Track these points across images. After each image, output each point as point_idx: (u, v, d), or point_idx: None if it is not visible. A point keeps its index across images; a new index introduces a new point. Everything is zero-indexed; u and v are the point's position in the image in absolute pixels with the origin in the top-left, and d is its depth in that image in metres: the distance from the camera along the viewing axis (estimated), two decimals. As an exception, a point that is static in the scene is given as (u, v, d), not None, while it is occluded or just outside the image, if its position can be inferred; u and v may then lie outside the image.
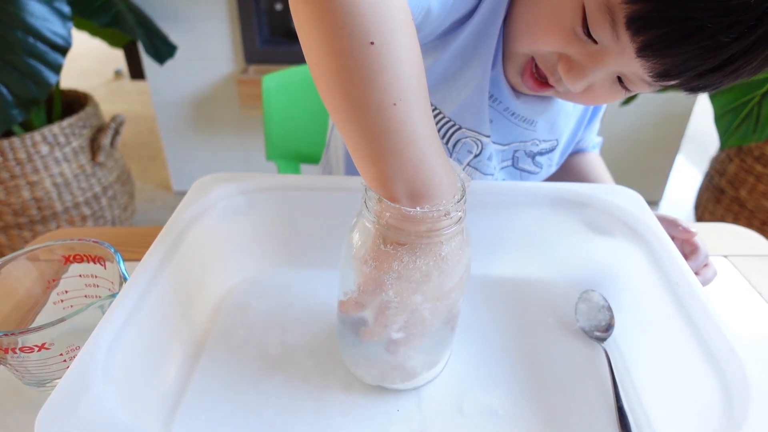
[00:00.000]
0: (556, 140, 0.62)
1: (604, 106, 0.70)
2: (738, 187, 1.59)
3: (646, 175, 2.05)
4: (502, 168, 0.63)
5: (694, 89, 0.42)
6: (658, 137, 1.95)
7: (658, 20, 0.37)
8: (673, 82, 0.41)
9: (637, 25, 0.38)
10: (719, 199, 1.68)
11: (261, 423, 0.41)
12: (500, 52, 0.53)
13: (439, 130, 0.57)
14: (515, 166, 0.63)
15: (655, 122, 1.91)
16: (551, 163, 0.65)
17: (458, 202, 0.35)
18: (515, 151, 0.61)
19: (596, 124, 0.73)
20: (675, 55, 0.38)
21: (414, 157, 0.32)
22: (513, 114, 0.57)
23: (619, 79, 0.46)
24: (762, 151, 1.52)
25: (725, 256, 0.63)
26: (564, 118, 0.61)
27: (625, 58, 0.41)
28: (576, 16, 0.42)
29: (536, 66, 0.50)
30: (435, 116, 0.56)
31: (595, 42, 0.43)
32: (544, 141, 0.61)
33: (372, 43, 0.29)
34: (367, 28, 0.29)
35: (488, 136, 0.57)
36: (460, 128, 0.56)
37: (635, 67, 0.42)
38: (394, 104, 0.30)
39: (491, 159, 0.60)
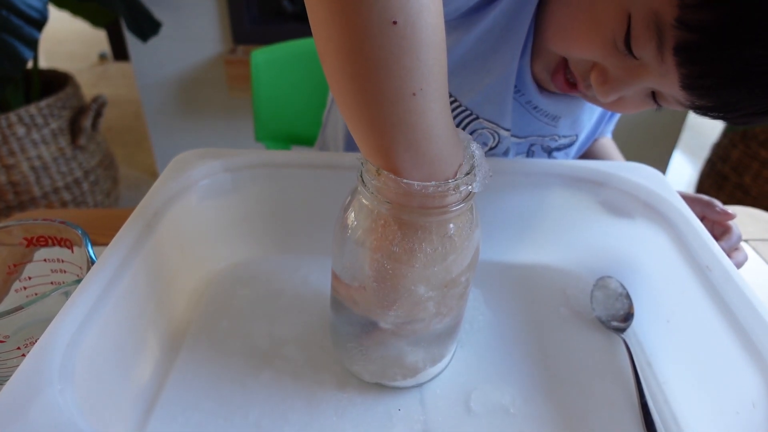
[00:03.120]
0: (576, 135, 0.58)
1: None
2: (742, 173, 1.57)
3: (645, 162, 2.02)
4: None
5: (737, 124, 0.38)
6: (657, 124, 1.91)
7: (711, 56, 0.33)
8: (715, 117, 0.37)
9: (686, 54, 0.34)
10: (722, 186, 1.65)
11: (246, 425, 0.37)
12: (530, 43, 0.47)
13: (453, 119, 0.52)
14: None
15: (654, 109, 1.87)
16: (567, 158, 0.62)
17: (467, 174, 0.30)
18: (531, 145, 0.57)
19: (617, 116, 0.68)
20: (723, 96, 0.34)
21: (431, 152, 0.28)
22: (536, 108, 0.52)
23: (653, 94, 0.41)
24: (767, 135, 1.49)
25: (745, 241, 0.60)
26: (588, 115, 0.57)
27: (666, 80, 0.37)
28: (619, 27, 0.37)
29: (568, 67, 0.46)
30: (451, 102, 0.52)
31: (636, 57, 0.38)
32: (563, 137, 0.57)
33: (395, 22, 0.25)
34: (391, 5, 0.25)
35: (508, 130, 0.52)
36: (477, 118, 0.52)
37: (675, 92, 0.37)
38: (414, 94, 0.26)
39: (508, 154, 0.56)
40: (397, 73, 0.26)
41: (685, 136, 2.60)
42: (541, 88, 0.51)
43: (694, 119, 2.66)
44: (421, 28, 0.26)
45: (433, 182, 0.29)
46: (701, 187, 1.80)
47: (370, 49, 0.25)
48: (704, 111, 0.37)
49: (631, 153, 1.95)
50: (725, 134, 1.70)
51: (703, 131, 2.66)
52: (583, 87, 0.45)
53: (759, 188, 1.51)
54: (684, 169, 2.31)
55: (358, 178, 0.32)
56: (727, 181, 1.62)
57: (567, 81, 0.46)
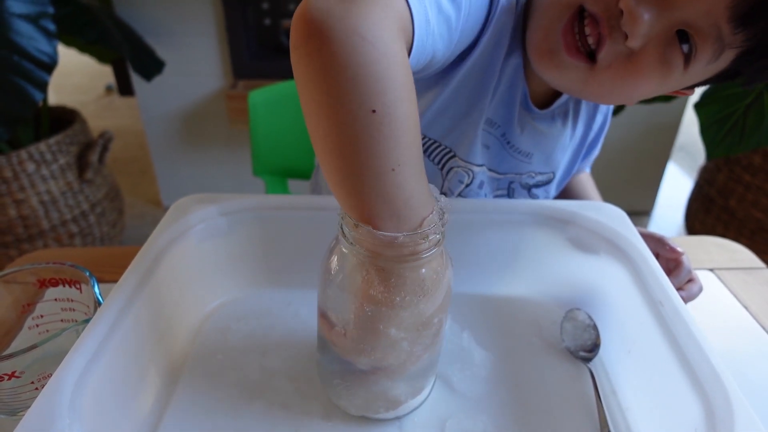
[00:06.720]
0: (552, 173, 0.61)
1: (603, 136, 0.69)
2: (727, 197, 1.60)
3: (637, 184, 2.06)
4: (496, 196, 0.62)
5: (748, 83, 0.38)
6: (648, 147, 1.95)
7: None
8: (743, 41, 0.37)
9: None
10: (709, 209, 1.68)
11: (238, 453, 0.40)
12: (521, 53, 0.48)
13: (434, 158, 0.57)
14: (510, 198, 0.63)
15: (645, 132, 1.92)
16: (547, 195, 0.65)
17: (437, 224, 0.34)
18: (511, 182, 0.61)
19: (595, 153, 0.71)
20: None
21: (412, 217, 0.32)
22: (509, 143, 0.56)
23: (680, 38, 0.40)
24: (750, 160, 1.52)
25: (711, 270, 0.63)
26: (560, 152, 0.60)
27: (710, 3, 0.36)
28: None
29: (580, 26, 0.44)
30: (431, 144, 0.56)
31: None
32: (539, 173, 0.60)
33: (374, 111, 0.29)
34: (370, 97, 0.29)
35: (481, 165, 0.56)
36: (454, 156, 0.56)
37: (716, 20, 0.36)
38: (393, 169, 0.31)
39: (482, 187, 0.59)
40: (378, 153, 0.30)
41: (678, 158, 2.64)
42: (520, 124, 0.52)
43: (684, 141, 2.70)
44: (397, 116, 0.30)
45: (405, 233, 0.32)
46: (690, 210, 1.83)
47: (354, 134, 0.30)
48: (743, 51, 0.36)
49: (623, 176, 2.00)
50: (709, 159, 1.75)
51: (695, 153, 2.70)
52: (606, 28, 0.42)
53: (744, 211, 1.54)
54: (679, 192, 2.34)
55: (338, 228, 0.36)
56: (714, 204, 1.66)
57: (575, 40, 0.44)
